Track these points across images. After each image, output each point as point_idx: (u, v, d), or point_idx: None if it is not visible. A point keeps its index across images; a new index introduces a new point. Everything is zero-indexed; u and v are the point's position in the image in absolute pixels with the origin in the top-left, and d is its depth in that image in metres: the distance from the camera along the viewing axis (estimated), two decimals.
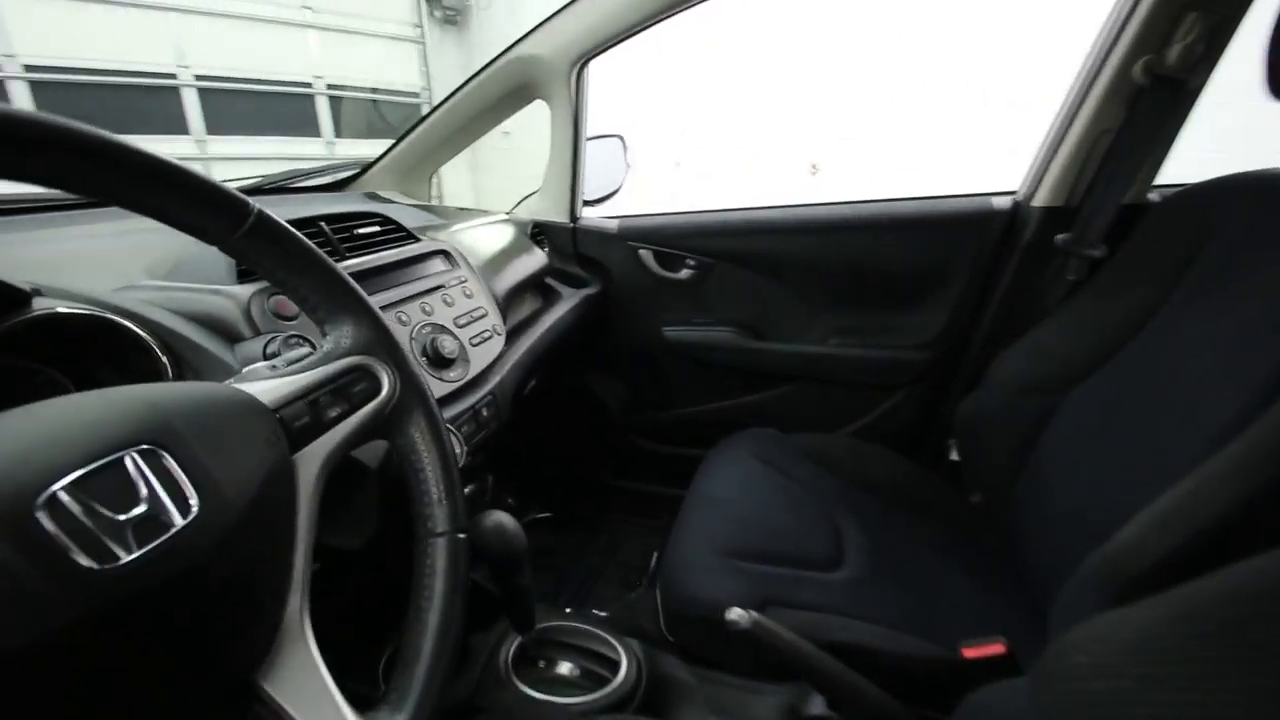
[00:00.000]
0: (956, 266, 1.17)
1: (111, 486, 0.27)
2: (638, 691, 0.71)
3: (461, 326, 0.80)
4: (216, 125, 4.54)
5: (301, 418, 0.38)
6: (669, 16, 1.10)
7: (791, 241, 1.26)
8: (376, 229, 0.81)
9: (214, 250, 0.39)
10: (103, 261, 0.63)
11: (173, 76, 4.30)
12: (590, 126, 1.31)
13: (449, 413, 0.71)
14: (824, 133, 4.33)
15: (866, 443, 1.19)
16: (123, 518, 0.26)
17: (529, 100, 1.28)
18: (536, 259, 1.21)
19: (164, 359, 0.52)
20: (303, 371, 0.41)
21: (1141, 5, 0.91)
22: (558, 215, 1.37)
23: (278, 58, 4.78)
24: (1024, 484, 0.95)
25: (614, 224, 1.37)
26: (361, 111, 5.45)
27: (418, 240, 0.86)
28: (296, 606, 0.36)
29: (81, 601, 0.24)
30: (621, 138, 1.48)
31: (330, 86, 5.15)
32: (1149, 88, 0.95)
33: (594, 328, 1.39)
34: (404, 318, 0.72)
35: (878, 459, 1.15)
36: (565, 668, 0.75)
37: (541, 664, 0.75)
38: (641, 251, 1.34)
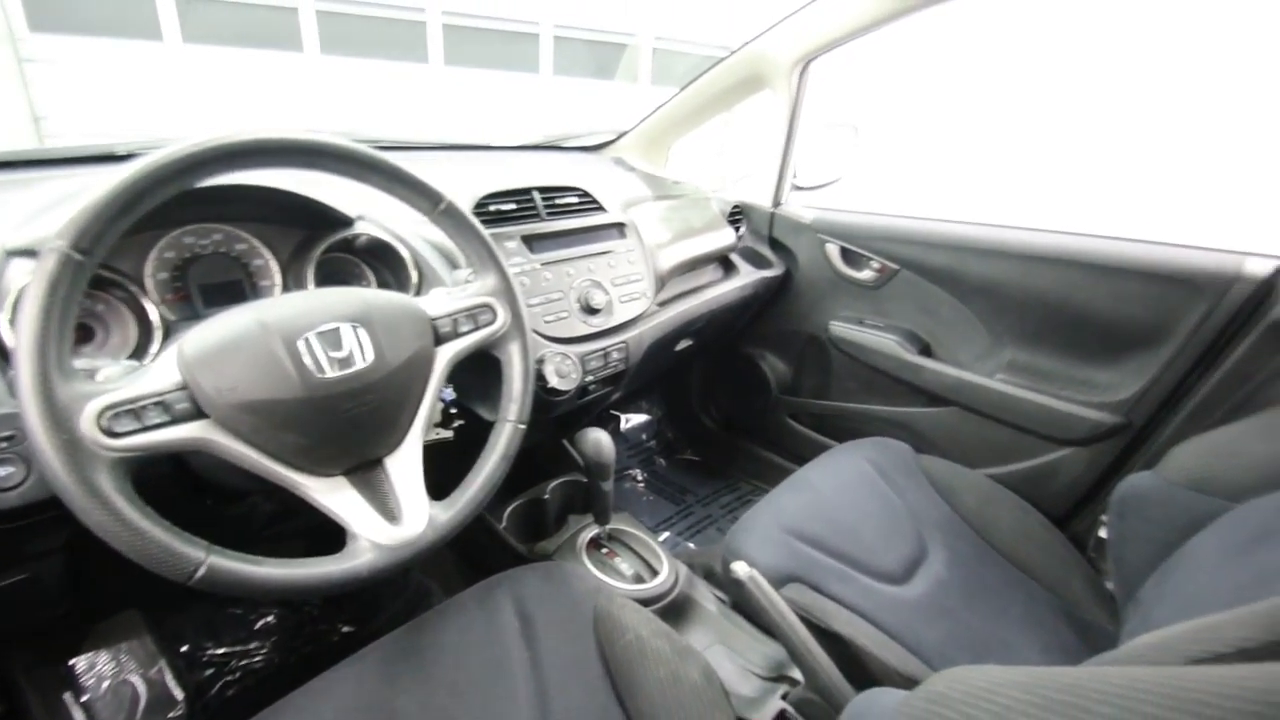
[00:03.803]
0: (1175, 327, 1.01)
1: (333, 339, 0.54)
2: (664, 599, 0.90)
3: (616, 286, 1.02)
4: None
5: (445, 326, 0.64)
6: (893, 22, 1.11)
7: (985, 262, 1.20)
8: (576, 199, 1.06)
9: None
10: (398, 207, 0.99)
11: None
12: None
13: (585, 348, 0.95)
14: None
15: (1002, 488, 1.13)
16: (334, 354, 0.54)
17: (756, 90, 1.40)
18: (723, 237, 1.36)
19: (415, 272, 0.84)
20: (456, 300, 0.66)
21: None
22: (761, 198, 1.48)
23: None
24: (1153, 588, 0.85)
25: (810, 214, 1.44)
26: None
27: (604, 211, 1.09)
28: (419, 431, 0.62)
29: (305, 388, 0.52)
30: (856, 128, 1.51)
31: None
32: None
33: (770, 308, 1.50)
34: (570, 271, 0.96)
35: (1009, 507, 1.10)
36: (623, 563, 0.97)
37: (605, 551, 0.98)
38: (828, 245, 1.39)
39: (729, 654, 0.84)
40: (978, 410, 1.24)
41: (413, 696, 0.64)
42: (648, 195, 1.30)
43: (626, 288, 1.03)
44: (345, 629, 1.12)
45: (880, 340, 1.35)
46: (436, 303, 0.65)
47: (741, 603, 0.87)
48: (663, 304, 1.15)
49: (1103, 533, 1.06)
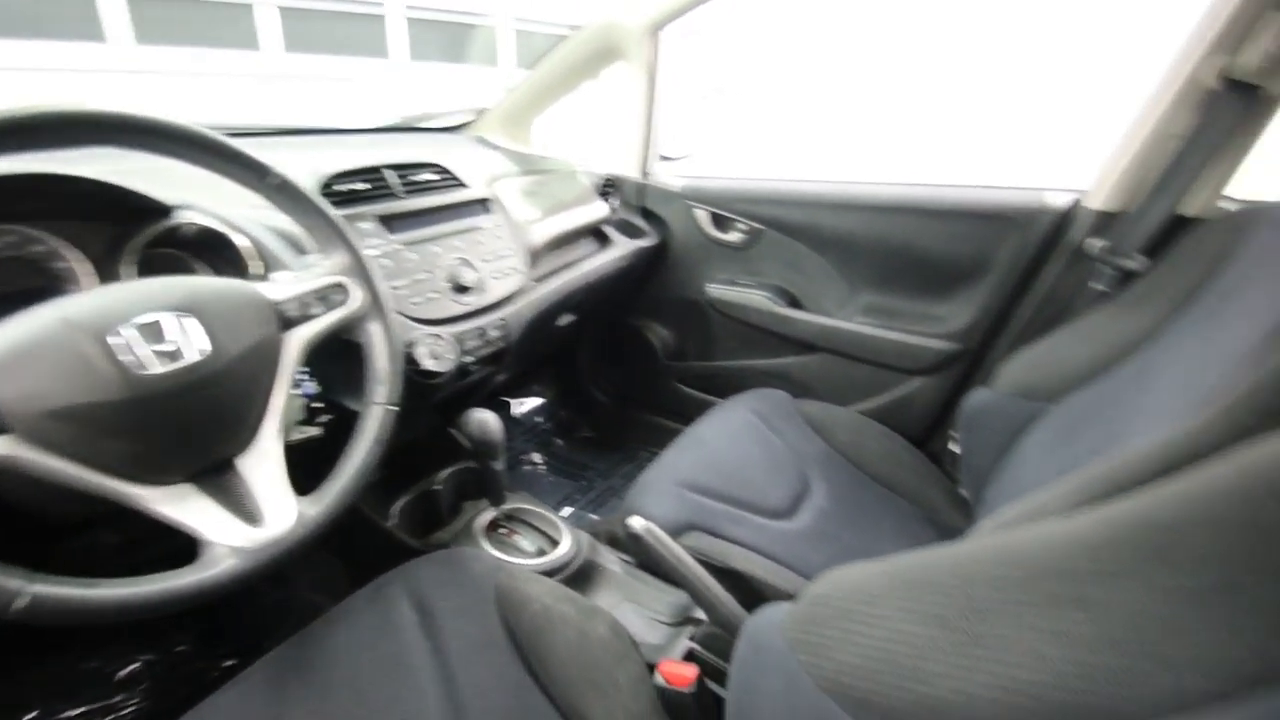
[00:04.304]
0: (996, 259, 1.14)
1: (153, 332, 0.49)
2: (567, 567, 0.90)
3: (487, 263, 1.00)
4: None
5: (291, 310, 0.59)
6: None
7: (837, 216, 1.30)
8: (434, 176, 1.02)
9: None
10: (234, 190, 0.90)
11: None
12: None
13: (459, 327, 0.92)
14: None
15: (871, 420, 1.24)
16: (157, 348, 0.48)
17: (612, 61, 1.41)
18: (595, 210, 1.36)
19: (260, 263, 0.77)
20: (302, 282, 0.62)
21: (1220, 4, 0.82)
22: (629, 169, 1.50)
23: None
24: (994, 486, 0.97)
25: (678, 183, 1.48)
26: None
27: (466, 188, 1.05)
28: (274, 427, 0.58)
29: (126, 387, 0.46)
30: (721, 90, 1.56)
31: None
32: (1222, 93, 0.86)
33: (647, 277, 1.53)
34: (436, 250, 0.93)
35: (876, 437, 1.20)
36: (524, 539, 0.96)
37: (504, 531, 0.97)
38: (696, 211, 1.44)
39: (636, 609, 0.86)
40: (843, 353, 1.34)
41: (308, 708, 0.61)
42: (512, 171, 1.27)
43: (498, 264, 1.01)
44: (227, 663, 1.03)
45: (753, 298, 1.42)
46: (279, 286, 0.60)
47: (643, 558, 0.89)
48: (539, 279, 1.14)
49: (954, 447, 1.19)
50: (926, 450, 1.21)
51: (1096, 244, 0.99)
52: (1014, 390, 0.99)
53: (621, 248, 1.40)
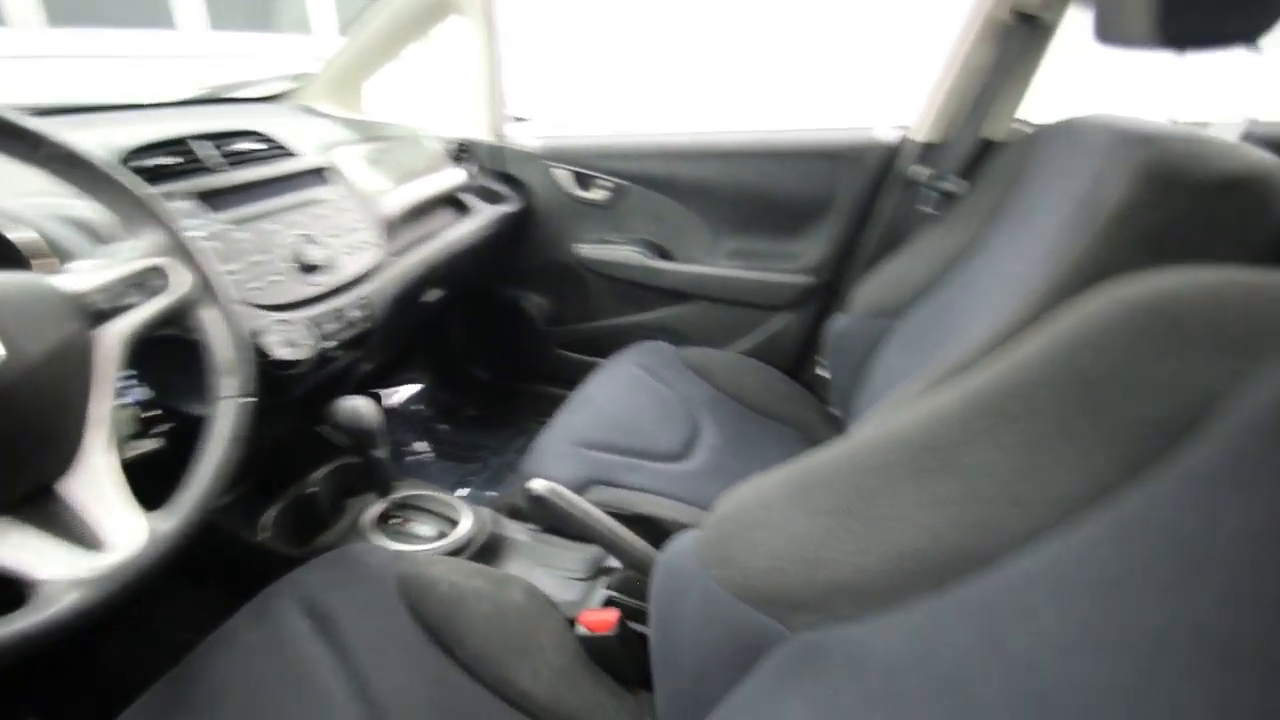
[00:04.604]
0: (839, 195, 1.23)
1: None
2: (471, 544, 0.87)
3: (335, 238, 0.91)
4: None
5: (100, 303, 0.51)
6: None
7: (695, 166, 1.33)
8: (257, 145, 0.91)
9: None
10: (9, 176, 0.74)
11: None
12: None
13: (312, 311, 0.83)
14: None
15: (747, 358, 1.31)
16: None
17: (443, 15, 1.32)
18: (450, 176, 1.29)
19: (45, 260, 0.64)
20: (109, 269, 0.52)
21: None
22: (482, 132, 1.43)
23: None
24: (860, 397, 1.06)
25: (536, 143, 1.43)
26: None
27: (296, 157, 0.95)
28: (101, 440, 0.49)
29: None
30: (553, 58, 1.52)
31: None
32: (1014, 26, 0.98)
33: (514, 243, 1.48)
34: (272, 228, 0.83)
35: (754, 373, 1.27)
36: (420, 526, 0.92)
37: (397, 521, 0.91)
38: (556, 171, 1.41)
39: (548, 571, 0.85)
40: (715, 298, 1.40)
41: None
42: (349, 138, 1.16)
43: (348, 239, 0.93)
44: None
45: (623, 253, 1.43)
46: (79, 277, 0.51)
47: (549, 520, 0.88)
48: (398, 253, 1.06)
49: (823, 372, 1.29)
50: (799, 379, 1.30)
51: (922, 172, 1.10)
52: (867, 312, 1.09)
53: (484, 215, 1.34)
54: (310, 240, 0.86)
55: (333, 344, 0.84)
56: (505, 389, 1.73)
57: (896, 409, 0.58)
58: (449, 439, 1.66)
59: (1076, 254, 0.63)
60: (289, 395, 0.80)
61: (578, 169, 1.41)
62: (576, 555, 0.88)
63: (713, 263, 1.38)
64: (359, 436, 0.84)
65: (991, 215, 0.92)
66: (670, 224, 1.40)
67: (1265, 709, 0.20)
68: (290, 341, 0.74)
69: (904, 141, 1.16)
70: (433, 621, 0.67)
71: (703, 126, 1.36)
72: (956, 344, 0.77)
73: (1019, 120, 1.07)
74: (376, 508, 0.92)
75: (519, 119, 1.49)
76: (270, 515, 0.91)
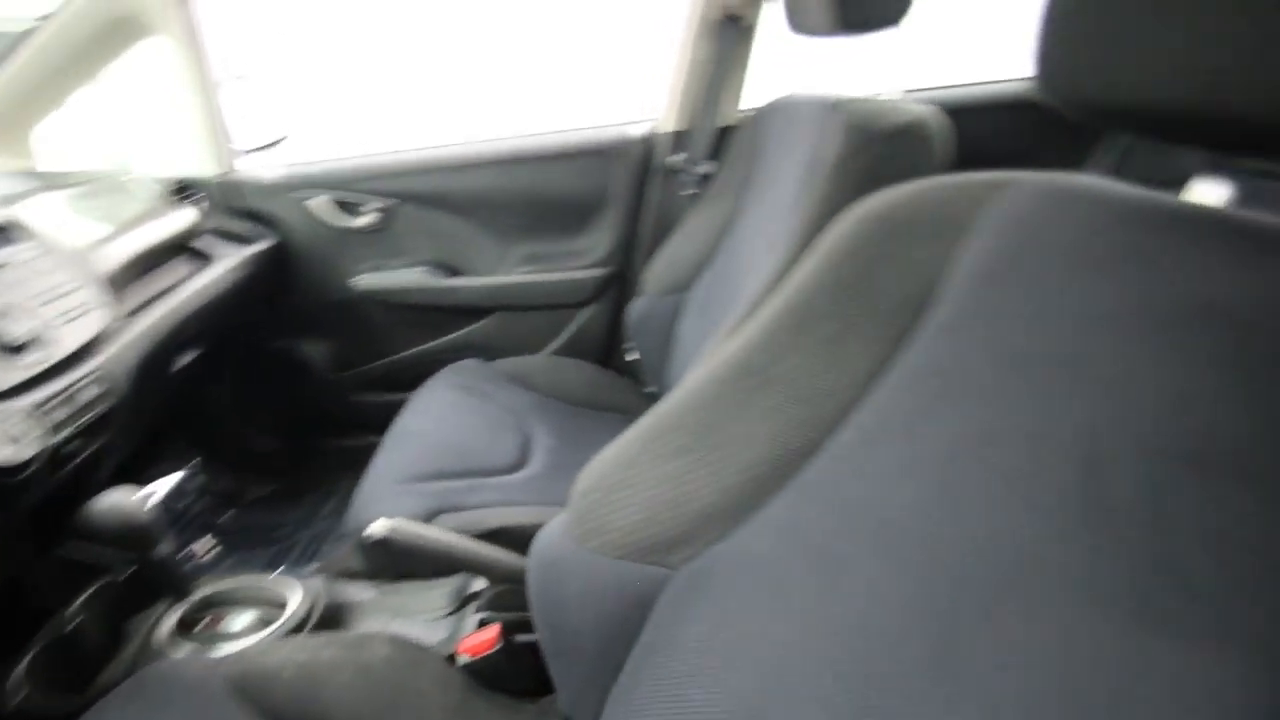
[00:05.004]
0: (612, 189, 1.31)
1: None
2: (309, 618, 0.77)
3: (43, 306, 0.73)
4: None
5: None
6: None
7: (467, 177, 1.31)
8: None
9: None
10: None
11: None
12: None
13: (31, 398, 0.66)
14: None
15: (561, 358, 1.33)
16: None
17: (134, 37, 1.12)
18: (177, 219, 1.10)
19: None
20: None
21: None
22: (205, 168, 1.24)
23: None
24: (671, 370, 1.15)
25: (279, 172, 1.29)
26: None
27: None
28: None
29: None
30: (273, 78, 1.38)
31: None
32: (725, 24, 1.13)
33: (276, 287, 1.32)
34: None
35: (571, 370, 1.30)
36: (238, 621, 0.78)
37: (205, 622, 0.77)
38: (309, 202, 1.28)
39: (409, 620, 0.78)
40: (516, 305, 1.39)
41: None
42: (31, 188, 0.93)
43: (60, 304, 0.75)
44: None
45: (408, 277, 1.36)
46: None
47: (397, 564, 0.81)
48: (132, 314, 0.88)
49: (632, 355, 1.37)
50: (612, 366, 1.36)
51: (678, 159, 1.22)
52: (659, 291, 1.18)
53: (228, 260, 1.17)
54: (6, 314, 0.67)
55: (66, 433, 0.68)
56: (298, 453, 1.52)
57: (711, 357, 0.65)
58: (241, 525, 1.41)
59: (815, 200, 0.77)
60: (17, 508, 0.62)
61: (337, 195, 1.30)
62: (436, 593, 0.82)
63: (506, 271, 1.37)
64: (129, 538, 0.68)
65: (743, 187, 1.07)
66: (452, 240, 1.36)
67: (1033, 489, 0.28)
68: (10, 438, 0.58)
69: (654, 134, 1.28)
70: (287, 714, 0.58)
71: (458, 137, 1.34)
72: (742, 297, 0.88)
73: (747, 108, 1.24)
74: (172, 616, 0.75)
75: (254, 149, 1.32)
76: (17, 673, 0.69)
